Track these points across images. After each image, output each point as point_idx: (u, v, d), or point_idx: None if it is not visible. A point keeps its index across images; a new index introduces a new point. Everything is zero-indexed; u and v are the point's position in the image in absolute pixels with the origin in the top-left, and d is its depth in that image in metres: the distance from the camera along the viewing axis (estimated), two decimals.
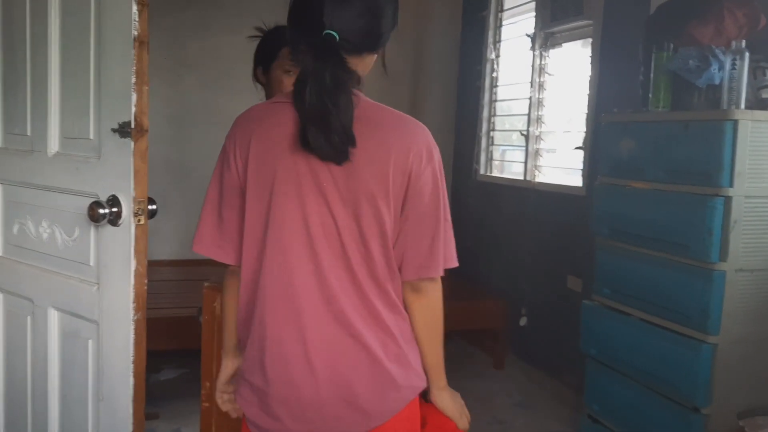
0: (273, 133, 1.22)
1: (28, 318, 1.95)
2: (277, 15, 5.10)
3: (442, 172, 1.29)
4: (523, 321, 4.13)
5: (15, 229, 1.99)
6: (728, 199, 2.17)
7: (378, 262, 1.23)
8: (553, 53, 4.07)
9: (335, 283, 1.22)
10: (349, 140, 1.16)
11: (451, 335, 4.27)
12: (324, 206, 1.21)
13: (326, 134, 1.15)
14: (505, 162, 4.66)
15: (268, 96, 2.24)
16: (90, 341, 1.77)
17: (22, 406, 1.99)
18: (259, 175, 1.23)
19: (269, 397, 1.25)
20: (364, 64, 1.28)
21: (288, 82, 2.14)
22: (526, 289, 4.13)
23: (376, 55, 1.29)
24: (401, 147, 1.22)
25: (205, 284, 1.60)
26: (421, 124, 1.28)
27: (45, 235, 1.89)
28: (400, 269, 1.27)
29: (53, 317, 1.88)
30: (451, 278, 4.96)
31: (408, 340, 1.29)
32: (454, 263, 1.33)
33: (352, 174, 1.20)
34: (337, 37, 1.16)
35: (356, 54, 1.23)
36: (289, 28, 1.26)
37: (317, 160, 1.19)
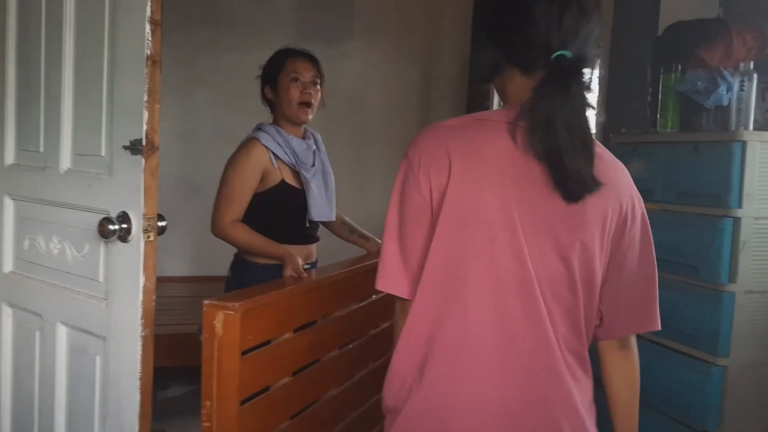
0: (484, 156, 1.06)
1: (37, 333, 1.95)
2: (287, 35, 5.17)
3: (645, 214, 1.18)
4: None
5: (26, 244, 2.00)
6: (737, 221, 2.16)
7: (581, 314, 1.10)
8: None
9: (549, 334, 1.07)
10: (595, 178, 1.04)
11: None
12: (538, 248, 1.06)
13: (585, 169, 1.02)
14: None
15: (278, 114, 2.33)
16: (97, 357, 1.78)
17: (28, 422, 1.99)
18: (462, 202, 1.06)
19: None
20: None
21: (294, 90, 2.28)
22: None
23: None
24: (619, 186, 1.12)
25: (205, 302, 1.57)
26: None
27: (55, 251, 1.90)
28: (605, 323, 1.16)
29: (61, 333, 1.88)
30: None
31: (590, 406, 1.17)
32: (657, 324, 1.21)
33: (574, 213, 1.06)
34: (569, 55, 1.04)
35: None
36: (504, 51, 1.12)
37: (537, 195, 1.05)
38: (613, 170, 1.12)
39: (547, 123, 1.00)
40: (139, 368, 1.66)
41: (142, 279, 1.65)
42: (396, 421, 1.11)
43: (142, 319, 1.66)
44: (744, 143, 2.15)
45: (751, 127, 2.22)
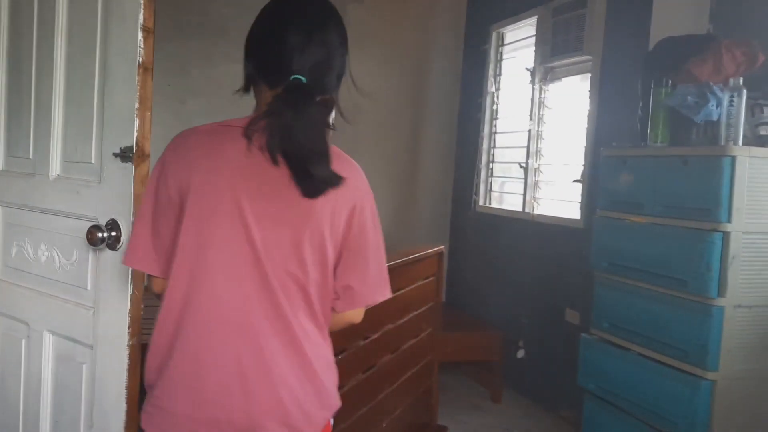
0: (223, 157, 1.24)
1: (23, 341, 1.93)
2: None
3: (374, 204, 1.36)
4: (520, 353, 4.10)
5: (13, 251, 1.99)
6: (726, 235, 2.17)
7: (314, 289, 1.27)
8: (553, 87, 4.11)
9: (278, 305, 1.24)
10: (327, 179, 1.21)
11: (448, 367, 4.23)
12: (270, 232, 1.23)
13: (323, 170, 1.20)
14: (504, 194, 4.67)
15: None
16: (84, 366, 1.76)
17: (13, 430, 1.96)
18: (203, 196, 1.23)
19: (196, 422, 1.23)
20: None
21: None
22: (524, 321, 4.11)
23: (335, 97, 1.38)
24: (350, 183, 1.27)
25: None
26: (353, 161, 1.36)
27: (43, 258, 1.88)
28: (343, 297, 1.33)
29: (48, 341, 1.87)
30: (447, 309, 4.95)
31: (327, 366, 1.32)
32: (389, 294, 1.38)
33: (305, 206, 1.24)
34: (304, 80, 1.23)
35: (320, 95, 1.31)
36: (256, 69, 1.30)
37: (270, 190, 1.23)
38: (347, 170, 1.27)
39: (276, 133, 1.18)
40: (126, 377, 1.65)
41: (130, 287, 1.64)
42: (154, 393, 1.27)
43: (129, 327, 1.64)
44: (733, 158, 2.16)
45: (740, 142, 2.24)
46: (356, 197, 1.30)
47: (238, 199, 1.22)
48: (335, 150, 1.28)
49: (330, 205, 1.26)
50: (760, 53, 2.40)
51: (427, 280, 3.17)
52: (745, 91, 2.25)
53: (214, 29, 4.62)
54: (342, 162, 1.29)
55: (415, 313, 2.99)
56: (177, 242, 1.24)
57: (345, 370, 2.28)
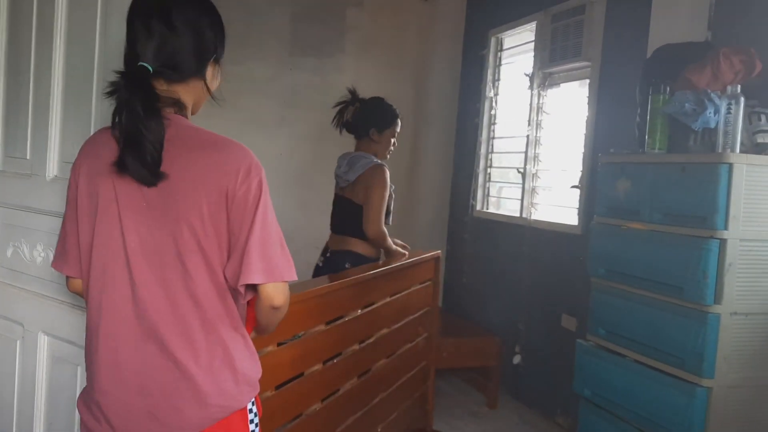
0: (101, 157, 1.29)
1: (18, 342, 1.93)
2: (280, 47, 5.18)
3: (264, 189, 1.31)
4: (516, 359, 4.10)
5: (9, 252, 1.98)
6: (723, 242, 2.18)
7: (197, 279, 1.27)
8: (551, 93, 4.11)
9: (150, 301, 1.26)
10: (157, 163, 1.22)
11: (444, 372, 4.22)
12: (142, 226, 1.27)
13: (140, 158, 1.22)
14: (502, 199, 4.67)
15: (376, 151, 3.13)
16: (78, 368, 1.75)
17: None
18: (88, 196, 1.31)
19: (92, 402, 1.32)
20: (194, 90, 1.36)
21: (389, 145, 3.15)
22: (521, 327, 4.11)
23: (203, 80, 1.37)
24: (216, 166, 1.27)
25: None
26: (241, 145, 1.33)
27: (39, 259, 1.88)
28: (238, 275, 1.28)
29: (43, 342, 1.86)
30: (444, 314, 4.93)
31: (230, 360, 1.31)
32: (291, 275, 1.32)
33: (167, 194, 1.25)
34: (151, 68, 1.26)
35: (179, 81, 1.32)
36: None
37: (134, 183, 1.26)
38: (207, 151, 1.28)
39: (115, 121, 1.23)
40: None
41: None
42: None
43: None
44: (731, 165, 2.16)
45: (737, 149, 2.24)
46: (227, 181, 1.26)
47: (114, 199, 1.28)
48: (202, 135, 1.30)
49: (203, 191, 1.25)
50: (758, 61, 2.41)
51: (424, 285, 3.17)
52: (742, 98, 2.25)
53: None
54: (204, 148, 1.28)
55: (412, 317, 3.00)
56: (81, 242, 1.33)
57: (339, 374, 2.28)
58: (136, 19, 1.29)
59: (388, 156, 3.15)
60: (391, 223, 3.06)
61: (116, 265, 1.28)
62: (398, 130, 3.16)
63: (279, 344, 1.86)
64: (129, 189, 1.27)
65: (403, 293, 2.88)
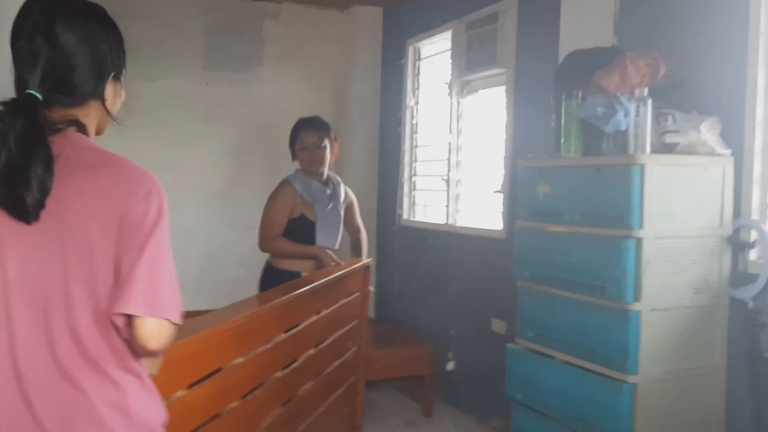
0: None
1: None
2: (195, 61, 5.05)
3: (164, 216, 1.17)
4: (450, 366, 4.11)
5: None
6: (640, 241, 2.24)
7: (78, 312, 1.13)
8: (470, 100, 4.17)
9: (24, 341, 1.13)
10: (40, 202, 1.09)
11: (379, 383, 4.20)
12: (23, 254, 1.13)
13: (15, 198, 1.09)
14: (428, 206, 4.70)
15: (301, 167, 3.20)
16: None
17: None
18: None
19: None
20: (94, 111, 1.23)
21: (303, 156, 3.16)
22: (453, 333, 4.13)
23: (102, 101, 1.24)
24: (112, 187, 1.15)
25: None
26: (144, 168, 1.20)
27: None
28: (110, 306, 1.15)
29: None
30: (377, 325, 4.91)
31: (122, 404, 1.16)
32: (175, 316, 1.16)
33: (55, 218, 1.12)
34: (40, 96, 1.13)
35: (76, 105, 1.19)
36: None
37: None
38: (102, 172, 1.16)
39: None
40: None
41: None
42: None
43: None
44: (642, 166, 2.23)
45: (648, 150, 2.32)
46: (123, 203, 1.14)
47: None
48: (101, 155, 1.17)
49: (89, 215, 1.13)
50: (662, 64, 2.50)
51: (353, 297, 3.12)
52: (650, 101, 2.33)
53: (127, 45, 4.47)
54: (100, 167, 1.16)
55: (340, 332, 2.92)
56: None
57: (260, 407, 2.10)
58: (18, 39, 1.15)
59: (315, 165, 3.15)
60: (321, 242, 3.11)
61: (12, 305, 1.13)
62: (307, 138, 3.15)
63: (190, 386, 1.70)
64: (8, 220, 1.13)
65: (331, 308, 2.80)
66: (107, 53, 1.21)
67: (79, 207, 1.13)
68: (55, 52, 1.14)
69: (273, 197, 3.10)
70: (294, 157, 3.21)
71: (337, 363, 2.89)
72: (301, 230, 3.09)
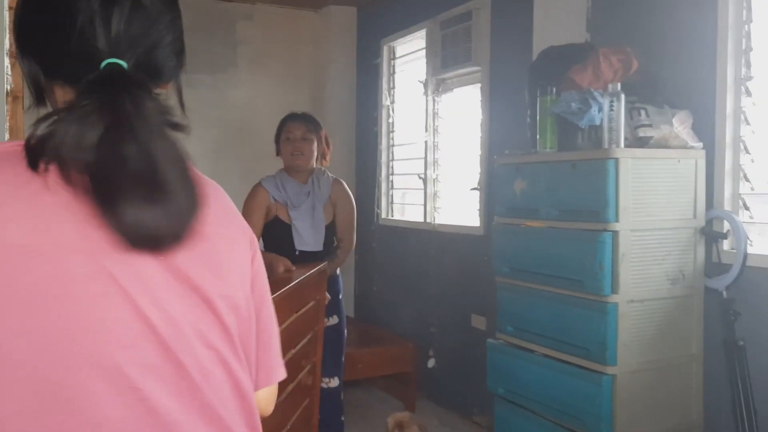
0: (34, 207, 0.73)
1: None
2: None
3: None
4: (431, 363, 4.13)
5: None
6: (616, 234, 2.27)
7: (227, 385, 0.83)
8: (446, 98, 4.19)
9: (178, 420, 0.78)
10: (195, 205, 0.76)
11: (361, 382, 4.20)
12: (154, 305, 0.77)
13: (162, 203, 0.73)
14: (406, 205, 4.71)
15: (284, 163, 3.05)
16: None
17: None
18: (25, 278, 0.71)
19: None
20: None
21: (287, 148, 3.00)
22: (433, 330, 4.15)
23: (179, 88, 0.92)
24: (234, 216, 0.92)
25: None
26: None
27: None
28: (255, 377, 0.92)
29: None
30: (358, 324, 4.91)
31: None
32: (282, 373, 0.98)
33: (181, 257, 0.79)
34: (125, 65, 0.78)
35: (158, 84, 0.85)
36: (42, 63, 0.82)
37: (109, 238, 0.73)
38: (216, 195, 0.90)
39: (104, 149, 0.72)
40: None
41: None
42: None
43: None
44: (617, 160, 2.26)
45: (622, 144, 2.35)
46: (246, 233, 0.92)
47: (95, 258, 0.74)
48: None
49: (213, 247, 0.84)
50: (635, 59, 2.54)
51: (308, 307, 2.48)
52: (623, 95, 2.36)
53: None
54: (207, 186, 0.85)
55: (294, 351, 2.30)
56: None
57: None
58: None
59: (297, 159, 2.98)
60: (299, 245, 2.93)
61: (142, 367, 0.75)
62: (293, 129, 3.02)
63: None
64: (122, 254, 0.75)
65: (283, 325, 1.99)
66: (179, 20, 0.89)
67: (209, 241, 0.84)
68: (141, 11, 0.81)
69: (245, 201, 2.99)
70: (278, 152, 3.08)
71: (290, 387, 2.25)
72: (278, 233, 2.95)
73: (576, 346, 2.39)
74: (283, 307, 2.13)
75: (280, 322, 1.91)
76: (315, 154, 3.02)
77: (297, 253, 2.90)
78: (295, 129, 3.02)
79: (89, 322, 0.73)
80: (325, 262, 2.71)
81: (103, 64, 0.77)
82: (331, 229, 3.04)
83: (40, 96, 0.85)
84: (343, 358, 3.14)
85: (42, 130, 0.73)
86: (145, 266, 0.77)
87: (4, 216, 0.72)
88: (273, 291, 0.93)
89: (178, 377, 0.77)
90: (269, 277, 0.93)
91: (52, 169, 0.73)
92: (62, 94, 0.82)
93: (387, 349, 4.09)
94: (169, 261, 0.78)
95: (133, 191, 0.72)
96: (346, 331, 3.17)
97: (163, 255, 0.77)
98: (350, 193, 3.14)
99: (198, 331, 0.80)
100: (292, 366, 2.31)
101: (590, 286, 2.32)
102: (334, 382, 3.07)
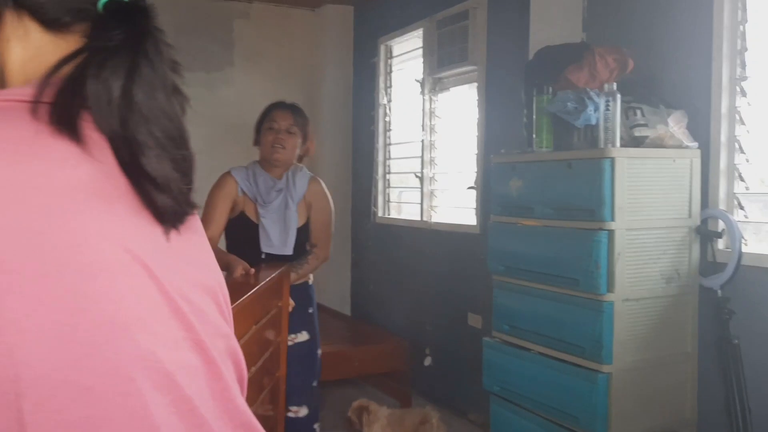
0: (51, 173, 0.57)
1: None
2: None
3: None
4: (427, 361, 4.14)
5: None
6: (611, 233, 2.28)
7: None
8: (442, 97, 4.19)
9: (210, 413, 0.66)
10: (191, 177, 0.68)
11: (356, 381, 4.21)
12: (189, 288, 0.67)
13: (186, 171, 0.66)
14: (402, 204, 4.72)
15: (261, 155, 2.69)
16: None
17: None
18: (40, 253, 0.55)
19: None
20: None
21: (268, 136, 2.64)
22: (429, 328, 4.15)
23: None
24: None
25: None
26: None
27: None
28: None
29: None
30: (353, 323, 4.90)
31: None
32: None
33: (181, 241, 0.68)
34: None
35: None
36: None
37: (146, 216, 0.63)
38: None
39: (110, 103, 0.60)
40: None
41: None
42: None
43: None
44: (613, 160, 2.27)
45: (618, 144, 2.36)
46: None
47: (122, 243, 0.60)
48: None
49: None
50: (630, 59, 2.55)
51: (270, 316, 2.15)
52: (619, 95, 2.37)
53: None
54: None
55: (254, 369, 1.94)
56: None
57: None
58: None
59: (277, 151, 2.62)
60: (265, 247, 2.57)
61: (177, 349, 0.62)
62: (278, 118, 2.66)
63: None
64: (142, 227, 0.62)
65: (242, 339, 1.77)
66: None
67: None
68: None
69: (210, 191, 2.57)
70: (256, 141, 2.70)
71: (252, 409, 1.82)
72: (243, 232, 2.59)
73: (571, 344, 2.40)
74: (241, 318, 1.76)
75: (239, 335, 1.41)
76: (297, 150, 2.69)
77: (263, 256, 2.54)
78: (280, 118, 2.66)
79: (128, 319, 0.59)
80: (289, 264, 2.44)
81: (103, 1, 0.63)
82: (303, 232, 2.67)
83: None
84: (314, 383, 2.67)
85: (72, 79, 0.59)
86: (166, 251, 0.65)
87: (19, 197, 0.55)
88: (231, 299, 0.78)
89: (215, 379, 0.67)
90: (226, 281, 0.78)
91: (75, 129, 0.58)
92: (22, 36, 0.63)
93: (381, 347, 4.09)
94: (176, 245, 0.67)
95: (162, 155, 0.62)
96: (319, 351, 2.72)
97: (173, 238, 0.66)
98: (328, 193, 2.79)
99: (217, 326, 0.70)
100: (252, 386, 1.49)
101: (586, 285, 2.33)
102: (303, 411, 2.60)
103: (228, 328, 0.73)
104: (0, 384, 0.53)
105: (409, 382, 4.07)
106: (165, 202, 0.63)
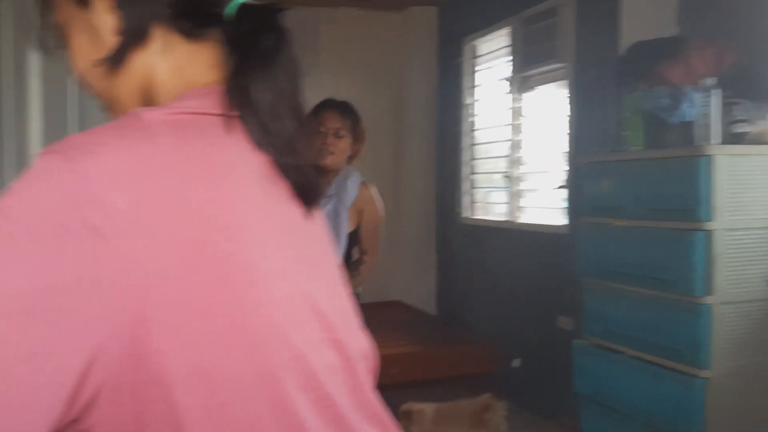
0: (228, 175, 0.61)
1: None
2: None
3: None
4: (516, 362, 4.10)
5: None
6: (709, 233, 2.20)
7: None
8: (529, 96, 4.14)
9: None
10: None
11: (442, 382, 4.22)
12: (323, 280, 0.70)
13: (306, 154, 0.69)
14: (489, 204, 4.69)
15: None
16: None
17: None
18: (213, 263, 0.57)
19: None
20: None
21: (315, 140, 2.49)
22: (516, 330, 4.11)
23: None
24: None
25: None
26: None
27: None
28: None
29: None
30: (439, 323, 4.91)
31: None
32: None
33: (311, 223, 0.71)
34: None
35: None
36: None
37: (292, 209, 0.67)
38: None
39: (263, 108, 0.64)
40: None
41: None
42: None
43: None
44: (709, 157, 2.19)
45: (713, 141, 2.27)
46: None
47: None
48: None
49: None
50: (729, 53, 2.45)
51: None
52: (719, 90, 2.28)
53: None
54: None
55: None
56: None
57: None
58: None
59: (324, 155, 2.53)
60: None
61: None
62: (328, 122, 2.57)
63: None
64: (291, 222, 0.67)
65: None
66: None
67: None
68: None
69: None
70: None
71: None
72: None
73: (666, 348, 2.33)
74: None
75: None
76: (347, 154, 2.58)
77: None
78: (329, 121, 2.56)
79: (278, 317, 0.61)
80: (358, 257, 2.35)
81: (234, 6, 0.66)
82: (352, 239, 2.60)
83: (124, 52, 0.65)
84: None
85: (238, 89, 0.63)
86: (308, 248, 0.68)
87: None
88: None
89: (350, 374, 0.68)
90: None
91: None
92: (168, 48, 0.66)
93: (468, 349, 4.09)
94: (313, 237, 0.71)
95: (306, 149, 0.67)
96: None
97: (311, 234, 0.71)
98: (379, 198, 2.67)
99: (350, 321, 0.70)
100: None
101: (682, 288, 2.25)
102: None
103: (358, 320, 0.75)
104: (153, 381, 0.55)
105: (498, 385, 4.05)
106: (309, 189, 0.68)
